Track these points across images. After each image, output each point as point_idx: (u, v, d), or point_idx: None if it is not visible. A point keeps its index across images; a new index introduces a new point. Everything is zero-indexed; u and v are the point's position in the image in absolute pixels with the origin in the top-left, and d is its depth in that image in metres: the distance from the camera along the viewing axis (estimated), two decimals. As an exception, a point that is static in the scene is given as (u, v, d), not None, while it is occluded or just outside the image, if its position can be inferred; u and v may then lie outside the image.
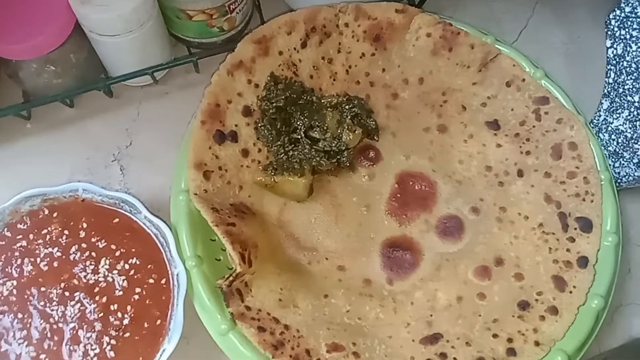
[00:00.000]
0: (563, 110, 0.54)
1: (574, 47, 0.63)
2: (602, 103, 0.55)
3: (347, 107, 0.55)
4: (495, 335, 0.47)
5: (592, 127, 0.55)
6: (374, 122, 0.56)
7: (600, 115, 0.55)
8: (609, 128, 0.53)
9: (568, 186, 0.52)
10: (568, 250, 0.50)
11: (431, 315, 0.49)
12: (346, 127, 0.54)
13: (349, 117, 0.54)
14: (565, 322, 0.47)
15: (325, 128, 0.54)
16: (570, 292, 0.48)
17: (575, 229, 0.51)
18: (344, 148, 0.54)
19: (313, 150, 0.53)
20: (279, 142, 0.53)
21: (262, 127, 0.53)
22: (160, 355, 0.46)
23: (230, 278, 0.46)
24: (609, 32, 0.53)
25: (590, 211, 0.51)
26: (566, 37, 0.63)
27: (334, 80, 0.57)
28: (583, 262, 0.49)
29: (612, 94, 0.54)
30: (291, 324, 0.47)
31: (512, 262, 0.51)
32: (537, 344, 0.47)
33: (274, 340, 0.45)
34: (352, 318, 0.49)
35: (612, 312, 0.52)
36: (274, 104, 0.53)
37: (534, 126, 0.54)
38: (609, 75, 0.54)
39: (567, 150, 0.53)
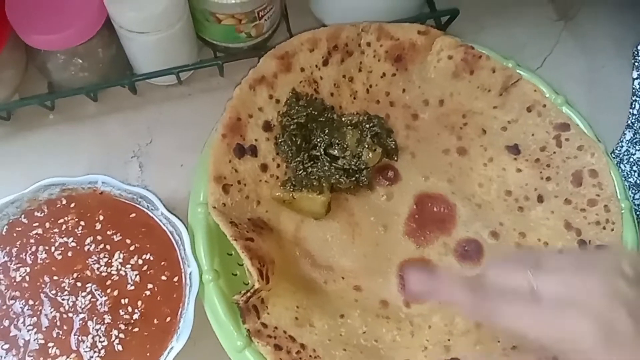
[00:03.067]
0: (584, 137, 0.54)
1: (597, 77, 0.63)
2: (625, 134, 0.55)
3: (367, 126, 0.54)
4: (514, 363, 0.47)
5: (614, 158, 0.54)
6: (393, 142, 0.55)
7: (622, 146, 0.55)
8: (631, 159, 0.53)
9: (588, 214, 0.52)
10: (588, 278, 0.49)
11: (449, 340, 0.48)
12: (366, 145, 0.54)
13: (369, 136, 0.54)
14: (585, 352, 0.47)
15: (345, 146, 0.53)
16: (590, 321, 0.48)
17: (596, 256, 0.50)
18: (363, 167, 0.53)
19: (332, 167, 0.53)
20: (298, 158, 0.53)
21: (282, 143, 0.53)
22: (168, 352, 0.45)
23: (248, 294, 0.45)
24: (636, 63, 0.54)
25: (610, 239, 0.51)
26: (590, 66, 0.63)
27: (354, 98, 0.57)
28: (603, 290, 0.49)
29: (635, 125, 0.54)
30: (307, 343, 0.46)
31: (531, 288, 0.50)
32: (556, 372, 0.46)
33: (290, 359, 0.44)
34: (369, 340, 0.48)
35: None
36: (295, 120, 0.53)
37: (554, 152, 0.54)
38: (633, 106, 0.54)
39: (587, 177, 0.53)
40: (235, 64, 0.59)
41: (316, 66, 0.55)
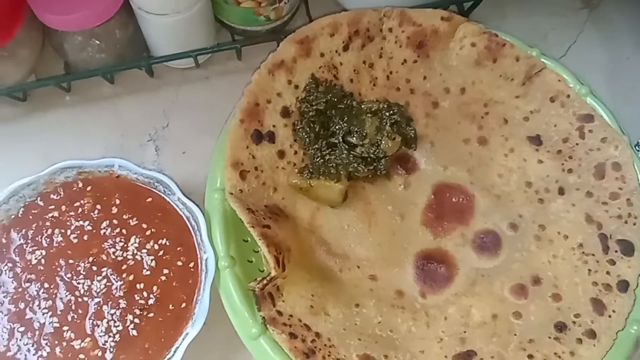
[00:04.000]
0: (608, 129, 0.53)
1: (621, 68, 0.61)
2: (651, 126, 0.53)
3: (387, 113, 0.53)
4: (530, 356, 0.46)
5: (638, 151, 0.53)
6: (413, 131, 0.55)
7: (647, 138, 0.53)
8: (656, 152, 0.52)
9: (610, 207, 0.51)
10: (608, 273, 0.49)
11: (465, 332, 0.48)
12: (385, 134, 0.53)
13: (388, 124, 0.53)
14: (603, 347, 0.46)
15: (364, 134, 0.53)
16: (609, 316, 0.47)
17: (616, 251, 0.49)
18: (381, 155, 0.52)
19: (350, 155, 0.52)
20: (316, 146, 0.52)
21: (301, 129, 0.52)
22: (183, 338, 0.45)
23: (264, 281, 0.45)
24: (662, 54, 0.52)
25: (632, 234, 0.50)
26: (614, 57, 0.62)
27: (374, 85, 0.56)
28: (623, 286, 0.48)
29: (662, 116, 0.53)
30: (322, 332, 0.46)
31: (549, 282, 0.49)
32: (573, 367, 0.45)
33: (305, 347, 0.44)
34: (384, 330, 0.48)
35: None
36: (314, 107, 0.52)
37: (577, 144, 0.53)
38: (659, 97, 0.53)
39: (610, 170, 0.52)
40: (254, 48, 0.58)
41: (336, 51, 0.54)
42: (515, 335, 0.47)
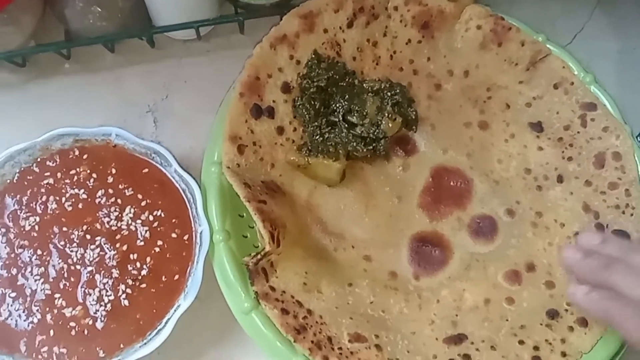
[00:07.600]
0: (610, 118, 0.53)
1: (628, 57, 0.61)
2: (654, 117, 0.53)
3: (388, 94, 0.53)
4: (521, 342, 0.46)
5: (639, 141, 0.53)
6: (414, 112, 0.54)
7: (649, 129, 0.53)
8: (658, 143, 0.52)
9: (608, 197, 0.51)
10: (603, 262, 0.49)
11: (457, 315, 0.48)
12: (386, 114, 0.52)
13: (389, 104, 0.53)
14: (594, 335, 0.46)
15: (364, 113, 0.52)
16: (602, 305, 0.47)
17: (612, 241, 0.49)
18: (381, 136, 0.52)
19: (350, 134, 0.52)
20: (315, 123, 0.51)
21: (301, 106, 0.51)
22: (175, 310, 0.45)
23: (258, 256, 0.45)
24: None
25: (629, 225, 0.50)
26: (621, 46, 0.61)
27: (377, 64, 0.55)
28: (617, 276, 0.48)
29: (665, 108, 0.52)
30: (314, 309, 0.46)
31: (543, 269, 0.49)
32: (563, 354, 0.45)
33: (296, 324, 0.44)
34: (376, 310, 0.48)
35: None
36: (315, 84, 0.51)
37: (578, 132, 0.53)
38: (664, 88, 0.52)
39: (610, 160, 0.51)
40: (257, 22, 0.58)
41: (340, 28, 0.54)
42: (507, 320, 0.47)
